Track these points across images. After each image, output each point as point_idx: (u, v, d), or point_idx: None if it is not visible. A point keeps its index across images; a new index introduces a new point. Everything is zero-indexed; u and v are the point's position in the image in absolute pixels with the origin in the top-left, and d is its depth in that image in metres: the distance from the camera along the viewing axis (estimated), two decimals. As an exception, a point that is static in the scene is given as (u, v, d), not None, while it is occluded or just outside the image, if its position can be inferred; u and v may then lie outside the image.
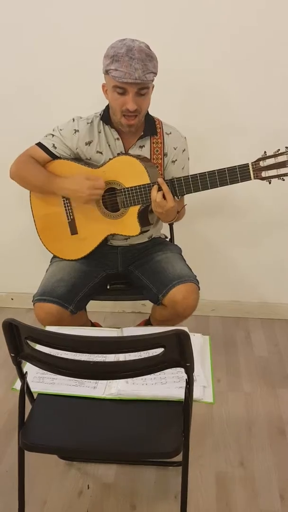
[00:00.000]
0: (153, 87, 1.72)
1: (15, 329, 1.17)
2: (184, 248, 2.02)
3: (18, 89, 2.32)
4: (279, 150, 1.58)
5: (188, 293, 1.71)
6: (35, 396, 1.40)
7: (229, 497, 1.57)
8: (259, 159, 1.61)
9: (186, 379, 1.24)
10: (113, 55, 1.60)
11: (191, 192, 1.70)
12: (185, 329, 1.18)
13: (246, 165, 1.62)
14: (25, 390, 1.32)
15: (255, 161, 1.61)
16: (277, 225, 2.46)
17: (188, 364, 1.18)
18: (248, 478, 1.65)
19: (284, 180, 1.60)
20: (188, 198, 2.03)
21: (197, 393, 1.32)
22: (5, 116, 2.38)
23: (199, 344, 1.55)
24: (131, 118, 1.69)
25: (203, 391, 1.36)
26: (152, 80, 1.66)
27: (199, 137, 2.05)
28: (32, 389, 1.37)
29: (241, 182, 1.64)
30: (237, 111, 2.24)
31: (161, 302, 1.77)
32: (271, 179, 1.61)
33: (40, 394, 1.40)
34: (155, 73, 1.66)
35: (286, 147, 1.58)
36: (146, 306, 2.60)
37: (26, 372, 1.31)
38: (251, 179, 1.62)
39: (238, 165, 1.62)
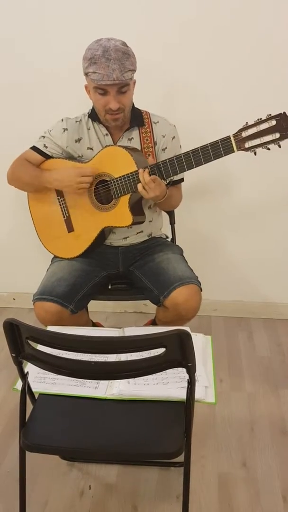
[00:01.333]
0: (134, 82, 1.75)
1: (16, 329, 1.17)
2: (185, 248, 2.01)
3: (18, 91, 2.32)
4: (260, 118, 1.55)
5: (190, 295, 1.70)
6: (36, 396, 1.40)
7: (232, 498, 1.57)
8: (241, 130, 1.57)
9: (187, 379, 1.23)
10: (90, 57, 1.63)
11: (177, 173, 1.70)
12: (187, 329, 1.17)
13: (228, 138, 1.59)
14: (26, 390, 1.32)
15: (236, 132, 1.58)
16: (280, 226, 2.45)
17: (189, 364, 1.17)
18: (251, 478, 1.64)
19: (269, 149, 1.56)
20: (190, 199, 2.03)
21: (199, 393, 1.32)
22: (4, 117, 2.39)
23: (201, 344, 1.54)
24: (116, 114, 1.72)
25: (205, 391, 1.35)
26: (131, 78, 1.68)
27: (191, 130, 2.03)
28: (33, 389, 1.37)
29: (224, 155, 1.61)
30: (231, 103, 2.22)
31: (163, 304, 1.76)
32: (256, 149, 1.57)
33: (41, 394, 1.40)
34: (134, 70, 1.68)
35: (267, 115, 1.54)
36: (148, 306, 2.59)
37: (27, 372, 1.31)
38: (234, 151, 1.59)
39: (219, 139, 1.60)
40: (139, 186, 1.68)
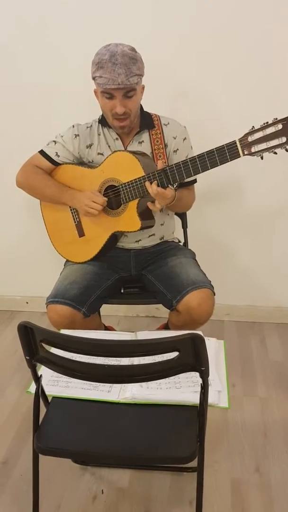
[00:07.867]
0: (143, 88, 1.76)
1: (30, 332, 1.18)
2: (197, 252, 2.01)
3: (22, 93, 2.34)
4: (267, 122, 1.52)
5: (203, 299, 1.70)
6: (49, 399, 1.40)
7: (245, 504, 1.55)
8: (246, 134, 1.54)
9: (201, 384, 1.23)
10: (98, 62, 1.65)
11: (184, 179, 1.68)
12: (200, 333, 1.17)
13: (233, 142, 1.56)
14: (40, 393, 1.32)
15: (242, 137, 1.55)
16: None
17: (203, 368, 1.17)
18: (264, 484, 1.62)
19: (276, 153, 1.53)
20: (202, 203, 2.03)
21: (212, 398, 1.31)
22: (10, 120, 2.41)
23: (214, 348, 1.53)
24: (122, 120, 1.74)
25: (218, 396, 1.34)
26: (137, 83, 1.69)
27: (200, 132, 2.03)
28: (47, 392, 1.37)
29: (230, 160, 1.58)
30: (238, 104, 2.22)
31: (176, 308, 1.76)
32: (263, 154, 1.54)
33: (54, 398, 1.40)
34: (141, 75, 1.70)
35: (274, 119, 1.51)
36: (160, 310, 2.59)
37: (41, 375, 1.32)
38: (240, 156, 1.57)
39: (225, 144, 1.58)
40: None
